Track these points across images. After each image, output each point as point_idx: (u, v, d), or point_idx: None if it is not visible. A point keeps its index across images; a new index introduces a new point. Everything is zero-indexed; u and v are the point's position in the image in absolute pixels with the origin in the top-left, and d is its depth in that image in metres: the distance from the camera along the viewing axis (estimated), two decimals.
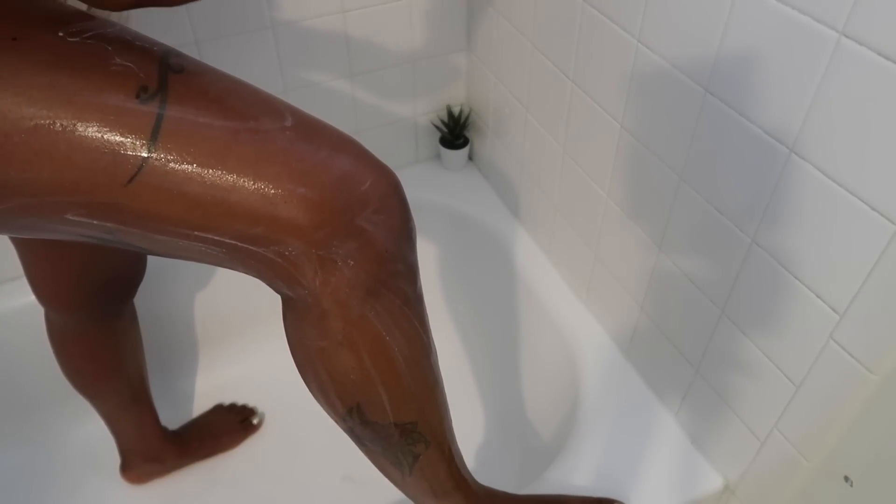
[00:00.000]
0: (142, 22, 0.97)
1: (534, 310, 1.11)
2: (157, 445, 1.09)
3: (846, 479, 0.68)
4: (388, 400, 0.57)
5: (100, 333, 0.92)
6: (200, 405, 1.25)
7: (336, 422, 0.60)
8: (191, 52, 1.01)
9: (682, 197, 0.76)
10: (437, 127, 1.28)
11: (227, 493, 1.13)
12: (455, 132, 1.27)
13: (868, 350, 0.60)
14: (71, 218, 0.45)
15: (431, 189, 1.26)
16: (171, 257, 0.51)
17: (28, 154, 0.42)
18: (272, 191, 0.45)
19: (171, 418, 1.13)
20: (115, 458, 1.10)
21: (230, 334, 1.29)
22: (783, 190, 0.62)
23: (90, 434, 1.18)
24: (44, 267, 0.81)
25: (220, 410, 1.22)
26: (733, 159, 0.66)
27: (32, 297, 1.08)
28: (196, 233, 0.46)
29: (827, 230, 0.59)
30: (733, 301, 0.73)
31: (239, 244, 0.47)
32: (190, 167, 0.44)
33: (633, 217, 0.86)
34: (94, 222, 0.45)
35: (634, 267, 0.89)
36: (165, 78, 0.45)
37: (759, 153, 0.63)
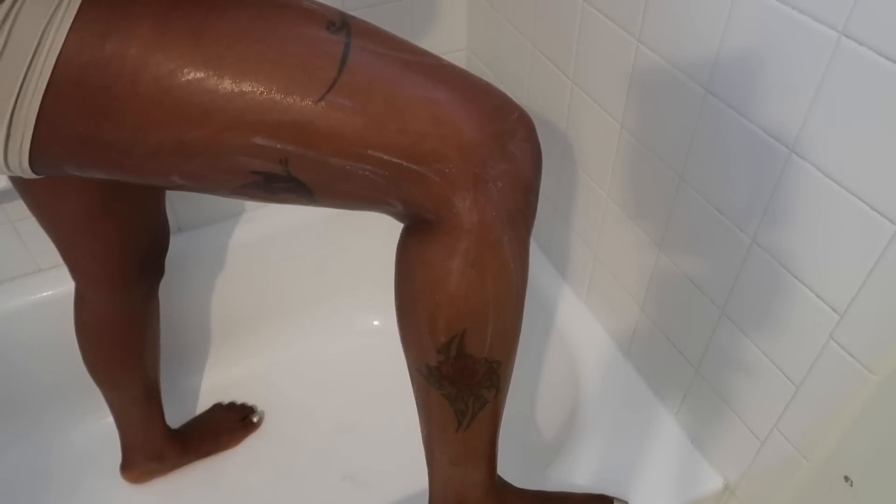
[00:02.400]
0: None
1: (534, 309, 1.10)
2: (159, 443, 1.10)
3: (846, 479, 0.68)
4: (491, 332, 0.59)
5: (131, 318, 0.94)
6: (201, 404, 1.25)
7: (421, 360, 0.62)
8: None
9: (682, 197, 0.76)
10: None
11: (227, 493, 1.13)
12: None
13: (868, 350, 0.60)
14: (258, 142, 0.49)
15: None
16: (324, 197, 0.55)
17: (237, 73, 0.47)
18: (441, 111, 0.51)
19: (172, 417, 1.13)
20: (115, 458, 1.10)
21: (232, 334, 1.29)
22: (783, 190, 0.62)
23: (90, 434, 1.18)
24: (95, 246, 0.83)
25: (219, 409, 1.23)
26: (733, 159, 0.66)
27: (33, 297, 1.09)
28: (369, 152, 0.51)
29: (827, 230, 0.59)
30: (733, 301, 0.73)
31: (404, 164, 0.51)
32: (371, 88, 0.50)
33: (633, 217, 0.86)
34: (278, 146, 0.50)
35: (634, 267, 0.89)
36: (346, 17, 0.52)
37: (759, 153, 0.63)
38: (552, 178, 1.03)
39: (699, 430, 0.87)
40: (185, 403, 1.25)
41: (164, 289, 1.00)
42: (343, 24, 0.51)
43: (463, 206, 0.52)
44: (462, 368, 0.61)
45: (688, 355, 0.84)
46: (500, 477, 0.75)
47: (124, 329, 0.94)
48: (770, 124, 0.61)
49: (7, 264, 1.09)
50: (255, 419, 1.21)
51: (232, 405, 1.23)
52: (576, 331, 1.03)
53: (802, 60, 0.56)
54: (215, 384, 1.28)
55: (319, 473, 1.16)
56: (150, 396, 1.04)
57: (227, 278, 1.22)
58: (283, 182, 0.52)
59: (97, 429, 1.17)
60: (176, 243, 1.09)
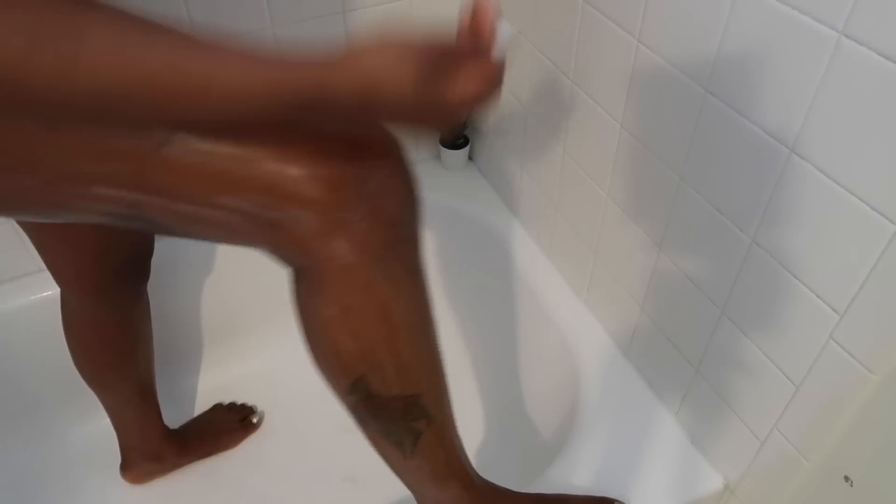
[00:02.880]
0: None
1: (534, 310, 1.11)
2: (158, 443, 1.10)
3: (846, 479, 0.68)
4: (392, 370, 0.58)
5: (117, 320, 0.93)
6: (201, 404, 1.25)
7: (340, 399, 0.61)
8: None
9: (682, 197, 0.76)
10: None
11: (227, 493, 1.13)
12: (455, 132, 1.27)
13: (868, 350, 0.60)
14: (98, 191, 0.47)
15: (431, 189, 1.26)
16: (187, 235, 0.53)
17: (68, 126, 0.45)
18: (293, 157, 0.48)
19: (172, 417, 1.13)
20: (115, 458, 1.10)
21: (232, 334, 1.29)
22: (783, 190, 0.62)
23: (90, 434, 1.18)
24: (62, 248, 0.82)
25: (219, 409, 1.23)
26: (733, 159, 0.66)
27: (33, 297, 1.08)
28: (218, 199, 0.48)
29: (827, 230, 0.59)
30: (733, 301, 0.73)
31: (257, 210, 0.49)
32: (217, 135, 0.47)
33: (633, 217, 0.86)
34: (123, 194, 0.48)
35: (634, 267, 0.89)
36: None
37: (759, 153, 0.63)
38: (552, 178, 1.03)
39: (699, 430, 0.87)
40: (185, 404, 1.25)
41: (165, 288, 1.00)
42: None
43: (325, 252, 0.51)
44: (378, 407, 0.60)
45: (688, 355, 0.84)
46: (487, 483, 0.75)
47: (109, 331, 0.93)
48: (770, 124, 0.61)
49: (7, 264, 1.09)
50: (254, 420, 1.21)
51: (232, 405, 1.23)
52: (576, 331, 1.03)
53: (802, 60, 0.56)
54: (215, 384, 1.28)
55: (319, 473, 1.16)
56: (145, 397, 1.04)
57: (228, 278, 1.22)
58: (141, 221, 0.51)
59: (97, 429, 1.17)
60: (177, 243, 1.09)
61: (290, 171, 0.48)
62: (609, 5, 0.78)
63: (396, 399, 0.60)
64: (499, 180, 1.24)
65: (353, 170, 0.50)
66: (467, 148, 1.29)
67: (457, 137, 1.28)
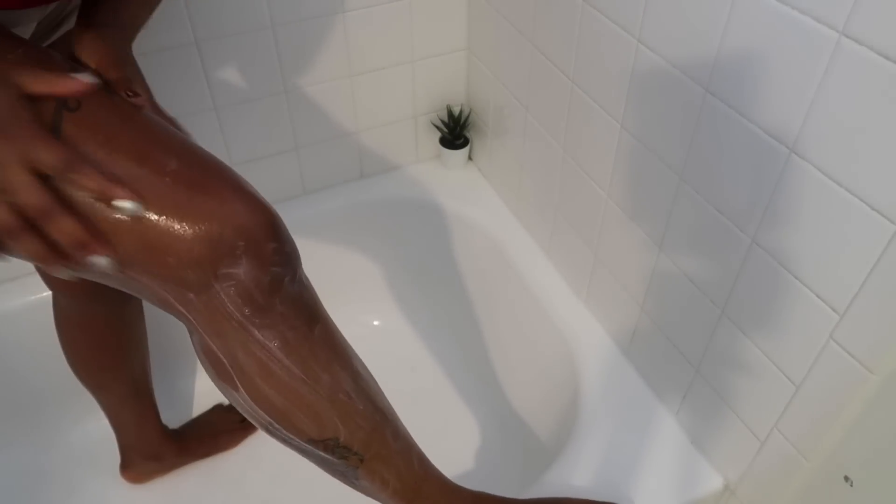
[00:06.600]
0: None
1: (534, 310, 1.11)
2: (156, 442, 1.10)
3: (846, 479, 0.68)
4: (293, 418, 0.59)
5: (107, 320, 0.92)
6: (200, 405, 1.25)
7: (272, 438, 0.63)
8: (190, 52, 1.01)
9: (682, 197, 0.76)
10: (437, 127, 1.28)
11: (227, 493, 1.13)
12: (455, 132, 1.27)
13: (868, 350, 0.60)
14: None
15: (431, 189, 1.26)
16: None
17: None
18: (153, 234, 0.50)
19: (171, 418, 1.13)
20: (115, 458, 1.10)
21: None
22: (783, 190, 0.62)
23: (90, 434, 1.18)
24: None
25: (219, 410, 1.23)
26: (733, 159, 0.66)
27: (33, 297, 1.08)
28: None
29: (827, 230, 0.59)
30: (733, 301, 0.73)
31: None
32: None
33: (633, 217, 0.86)
34: None
35: (634, 267, 0.89)
36: (60, 117, 0.49)
37: (759, 153, 0.63)
38: (552, 178, 1.03)
39: (699, 430, 0.87)
40: (184, 404, 1.25)
41: None
42: (53, 125, 0.49)
43: (196, 318, 0.54)
44: (299, 449, 0.63)
45: (688, 355, 0.84)
46: (475, 493, 0.75)
47: (100, 331, 0.93)
48: (770, 124, 0.61)
49: (7, 264, 1.09)
50: None
51: (232, 406, 1.23)
52: (576, 331, 1.03)
53: (802, 60, 0.56)
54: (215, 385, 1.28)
55: (319, 473, 1.16)
56: (141, 397, 1.04)
57: None
58: None
59: (96, 429, 1.17)
60: None
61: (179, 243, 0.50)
62: (609, 5, 0.78)
63: (314, 443, 0.61)
64: (499, 180, 1.24)
65: (215, 241, 0.51)
66: (467, 148, 1.29)
67: None
